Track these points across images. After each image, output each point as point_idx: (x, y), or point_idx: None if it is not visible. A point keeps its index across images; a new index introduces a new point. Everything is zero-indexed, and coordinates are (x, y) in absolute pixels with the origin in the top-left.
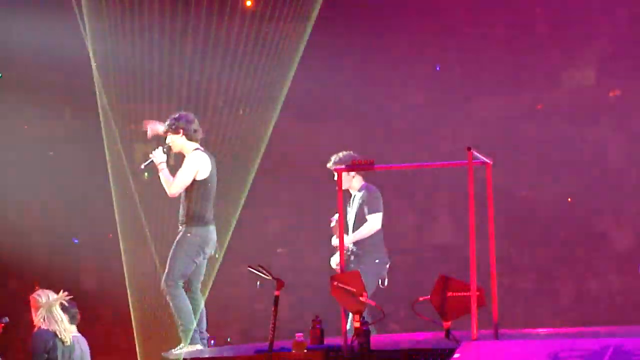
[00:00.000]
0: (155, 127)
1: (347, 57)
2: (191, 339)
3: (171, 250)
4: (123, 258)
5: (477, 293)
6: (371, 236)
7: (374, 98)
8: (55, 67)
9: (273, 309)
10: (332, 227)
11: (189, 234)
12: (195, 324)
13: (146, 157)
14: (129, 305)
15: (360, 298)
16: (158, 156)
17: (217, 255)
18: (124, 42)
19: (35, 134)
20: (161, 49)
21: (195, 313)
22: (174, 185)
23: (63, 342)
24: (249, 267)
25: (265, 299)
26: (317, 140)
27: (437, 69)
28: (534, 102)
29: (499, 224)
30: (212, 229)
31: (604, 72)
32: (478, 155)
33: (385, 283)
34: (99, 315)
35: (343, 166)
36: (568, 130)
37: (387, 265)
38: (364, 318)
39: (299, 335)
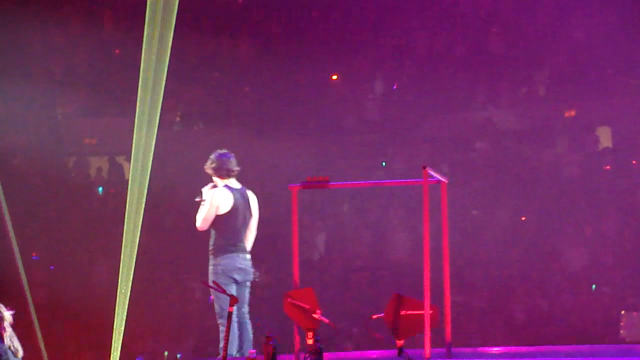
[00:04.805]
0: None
1: (301, 73)
2: None
3: None
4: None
5: (431, 312)
6: None
7: (331, 115)
8: None
9: (226, 325)
10: None
11: (211, 266)
12: (236, 351)
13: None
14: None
15: (314, 315)
16: (205, 194)
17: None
18: None
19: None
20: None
21: (242, 337)
22: (197, 220)
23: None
24: (202, 282)
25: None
26: (272, 157)
27: (394, 88)
28: (490, 122)
29: (454, 242)
30: (235, 256)
31: (560, 92)
32: (433, 173)
33: None
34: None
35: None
36: (523, 149)
37: None
38: (317, 335)
39: (252, 352)
